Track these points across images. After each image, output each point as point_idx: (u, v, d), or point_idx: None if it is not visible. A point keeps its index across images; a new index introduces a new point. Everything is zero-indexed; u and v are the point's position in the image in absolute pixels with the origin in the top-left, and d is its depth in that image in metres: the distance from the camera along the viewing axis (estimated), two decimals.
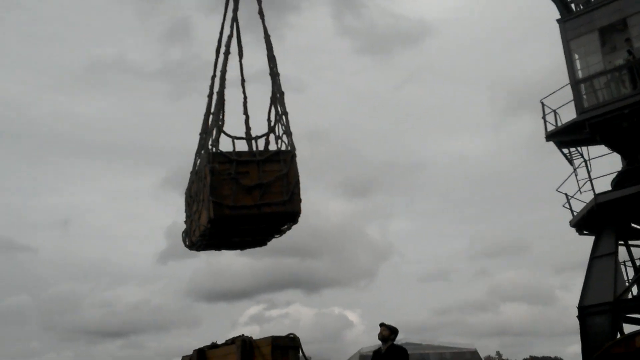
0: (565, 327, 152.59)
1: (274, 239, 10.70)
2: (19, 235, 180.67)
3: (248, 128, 10.30)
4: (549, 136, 21.30)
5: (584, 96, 20.42)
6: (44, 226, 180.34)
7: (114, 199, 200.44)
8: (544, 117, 21.38)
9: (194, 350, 8.53)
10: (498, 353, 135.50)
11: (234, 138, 9.96)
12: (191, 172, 10.66)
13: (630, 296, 19.51)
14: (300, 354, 7.90)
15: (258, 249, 10.97)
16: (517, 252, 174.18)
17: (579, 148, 21.52)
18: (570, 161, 21.52)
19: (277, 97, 10.13)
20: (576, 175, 21.09)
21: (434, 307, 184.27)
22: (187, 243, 10.81)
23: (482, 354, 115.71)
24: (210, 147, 9.66)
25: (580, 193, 20.86)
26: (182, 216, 10.79)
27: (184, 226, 10.71)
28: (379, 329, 9.84)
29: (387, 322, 9.90)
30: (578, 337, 19.07)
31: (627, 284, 19.86)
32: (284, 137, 9.95)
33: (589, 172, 20.55)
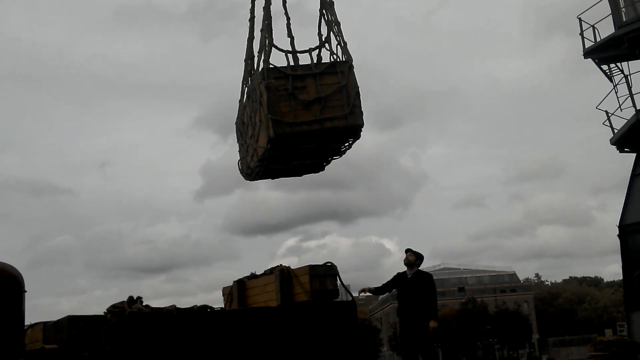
0: (604, 247, 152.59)
1: (332, 161, 10.43)
2: (61, 178, 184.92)
3: (294, 50, 9.67)
4: (587, 53, 20.62)
5: (623, 10, 19.64)
6: (85, 167, 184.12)
7: (151, 138, 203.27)
8: (581, 34, 20.66)
9: (234, 281, 8.60)
10: (537, 275, 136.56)
11: (287, 52, 9.43)
12: (240, 101, 10.40)
13: None
14: (338, 282, 7.90)
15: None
16: (554, 174, 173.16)
17: (618, 64, 20.84)
18: (610, 78, 20.88)
19: (327, 5, 9.61)
20: (616, 92, 20.50)
21: (470, 232, 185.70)
22: (244, 173, 10.58)
23: (521, 277, 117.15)
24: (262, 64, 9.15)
25: (621, 110, 20.33)
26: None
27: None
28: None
29: (414, 249, 9.99)
30: (617, 257, 18.98)
31: None
32: (338, 48, 9.46)
33: (629, 88, 19.93)
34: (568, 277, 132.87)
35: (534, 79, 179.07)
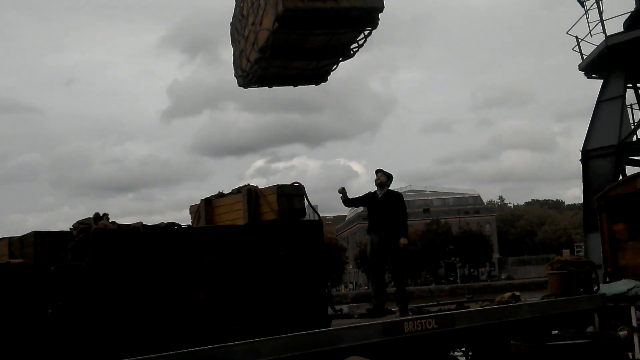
0: (566, 172, 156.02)
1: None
2: (26, 95, 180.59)
3: None
4: None
5: None
6: (50, 85, 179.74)
7: (118, 56, 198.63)
8: None
9: (202, 200, 8.60)
10: (500, 197, 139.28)
11: None
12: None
13: (635, 139, 19.57)
14: (306, 202, 7.95)
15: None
16: (521, 100, 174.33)
17: None
18: (582, 3, 20.80)
19: None
20: (587, 17, 20.49)
21: (437, 156, 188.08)
22: (238, 76, 9.94)
23: (485, 199, 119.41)
24: None
25: (591, 36, 20.39)
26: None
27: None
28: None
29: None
30: (578, 181, 19.41)
31: (632, 127, 19.84)
32: None
33: (600, 14, 19.91)
34: (530, 200, 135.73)
35: (505, 5, 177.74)
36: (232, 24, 10.06)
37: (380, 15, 8.61)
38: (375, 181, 9.96)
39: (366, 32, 8.94)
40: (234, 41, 10.03)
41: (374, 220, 9.87)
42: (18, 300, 5.74)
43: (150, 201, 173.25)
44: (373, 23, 8.68)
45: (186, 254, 6.82)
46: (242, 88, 10.18)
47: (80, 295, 6.06)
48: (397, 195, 9.98)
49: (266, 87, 10.26)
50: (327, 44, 9.00)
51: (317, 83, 10.27)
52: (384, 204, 9.77)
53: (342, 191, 9.95)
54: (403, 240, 9.58)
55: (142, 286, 6.42)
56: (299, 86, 10.35)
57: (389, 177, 9.97)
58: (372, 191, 10.07)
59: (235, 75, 10.12)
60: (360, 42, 9.16)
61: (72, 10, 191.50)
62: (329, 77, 10.15)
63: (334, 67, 9.88)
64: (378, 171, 9.98)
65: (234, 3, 9.95)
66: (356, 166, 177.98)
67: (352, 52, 9.37)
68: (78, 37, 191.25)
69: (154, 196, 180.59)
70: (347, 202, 10.08)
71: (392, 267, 9.75)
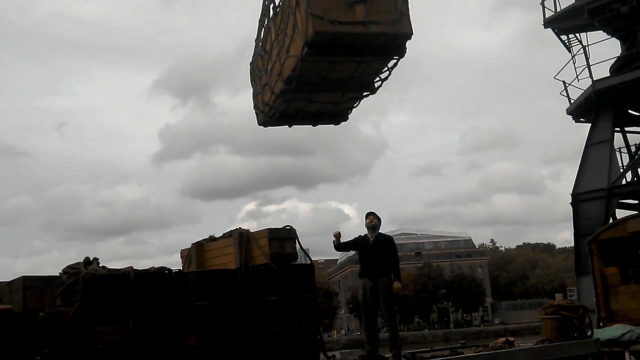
0: (556, 215, 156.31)
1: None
2: (18, 139, 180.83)
3: None
4: (548, 22, 20.82)
5: None
6: (43, 128, 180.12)
7: (110, 100, 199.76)
8: (542, 3, 20.83)
9: (193, 244, 8.56)
10: (492, 241, 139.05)
11: None
12: (255, 40, 9.94)
13: (624, 182, 19.68)
14: (297, 245, 7.92)
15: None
16: (510, 144, 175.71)
17: (577, 34, 21.09)
18: (569, 48, 21.13)
19: None
20: (574, 62, 20.80)
21: (427, 199, 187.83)
22: (260, 112, 9.99)
23: (476, 242, 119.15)
24: None
25: (578, 80, 20.67)
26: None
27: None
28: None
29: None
30: (568, 224, 19.42)
31: (621, 170, 19.97)
32: None
33: (587, 59, 20.24)
34: (522, 244, 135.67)
35: (494, 50, 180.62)
36: (251, 63, 10.22)
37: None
38: (368, 224, 9.82)
39: (390, 64, 8.97)
40: (253, 80, 10.14)
41: (365, 264, 9.73)
42: (6, 347, 5.65)
43: (140, 245, 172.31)
44: (400, 51, 8.63)
45: (177, 299, 6.75)
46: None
47: (69, 343, 5.97)
48: (389, 239, 9.90)
49: (264, 127, 10.32)
50: (352, 75, 8.98)
51: (337, 122, 10.30)
52: (376, 248, 9.65)
53: (338, 235, 9.83)
54: (397, 285, 9.47)
55: (132, 333, 6.34)
56: (317, 125, 10.34)
57: (380, 221, 9.88)
58: (362, 235, 9.94)
59: (255, 111, 10.15)
60: (383, 77, 9.19)
61: (66, 52, 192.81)
62: (349, 116, 10.20)
63: (357, 103, 9.95)
64: (370, 214, 9.87)
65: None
66: (347, 209, 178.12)
67: (375, 87, 9.40)
68: (72, 80, 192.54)
69: (145, 240, 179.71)
70: (339, 247, 9.98)
71: (385, 312, 9.60)
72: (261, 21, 9.79)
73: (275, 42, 9.02)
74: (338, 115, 10.15)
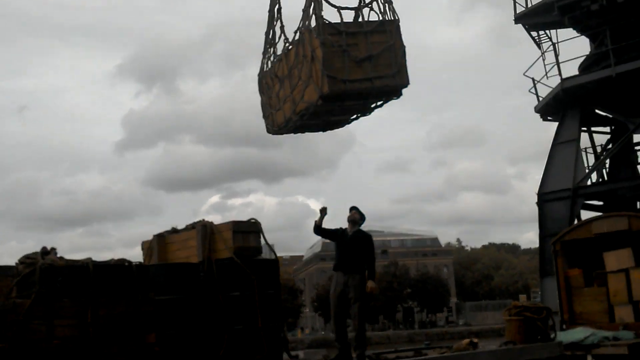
0: (522, 215, 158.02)
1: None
2: None
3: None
4: (518, 18, 20.87)
5: None
6: (2, 111, 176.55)
7: (73, 83, 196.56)
8: None
9: (154, 236, 8.38)
10: (458, 240, 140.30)
11: (339, 8, 9.49)
12: (263, 53, 10.73)
13: (589, 183, 19.82)
14: (262, 239, 7.79)
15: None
16: (476, 142, 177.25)
17: (547, 31, 21.19)
18: (539, 45, 21.22)
19: None
20: (544, 60, 20.85)
21: (394, 196, 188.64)
22: (270, 127, 10.82)
23: (442, 241, 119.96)
24: (317, 18, 9.26)
25: (547, 78, 20.70)
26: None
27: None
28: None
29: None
30: (534, 225, 19.47)
31: (587, 170, 20.13)
32: (386, 6, 9.66)
33: (556, 56, 20.20)
34: (487, 243, 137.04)
35: (462, 47, 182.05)
36: (259, 75, 11.03)
37: None
38: (349, 217, 9.73)
39: (394, 99, 10.03)
40: (262, 92, 11.02)
41: (341, 258, 9.56)
42: None
43: (101, 236, 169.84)
44: (398, 94, 9.83)
45: (137, 293, 6.58)
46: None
47: (25, 336, 5.78)
48: (367, 236, 9.74)
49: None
50: (357, 105, 10.27)
51: (341, 127, 11.41)
52: (353, 243, 9.52)
53: (323, 211, 9.66)
54: (370, 284, 9.33)
55: (90, 327, 6.16)
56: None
57: (362, 217, 9.80)
58: (343, 228, 9.81)
59: (265, 121, 11.06)
60: (379, 104, 10.24)
61: (31, 32, 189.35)
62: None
63: (358, 118, 10.94)
64: (353, 208, 9.80)
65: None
66: (314, 204, 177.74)
67: (371, 110, 10.51)
68: (35, 61, 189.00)
69: (106, 231, 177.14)
70: (319, 229, 9.71)
71: (354, 311, 9.36)
72: (267, 33, 10.71)
73: (288, 77, 9.99)
74: (345, 122, 11.18)
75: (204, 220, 7.87)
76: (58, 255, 6.49)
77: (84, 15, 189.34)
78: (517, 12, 20.84)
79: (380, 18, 9.61)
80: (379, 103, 10.23)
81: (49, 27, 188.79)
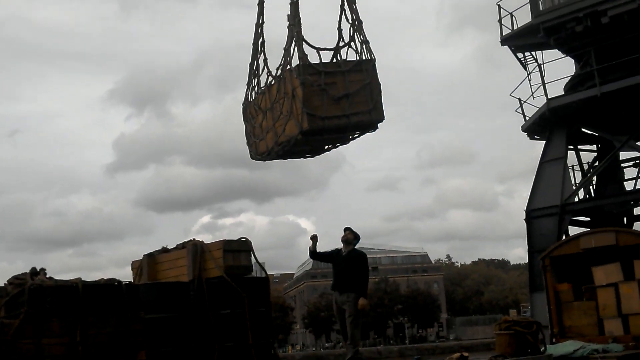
0: (510, 232, 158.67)
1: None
2: None
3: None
4: (504, 40, 21.09)
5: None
6: None
7: (64, 108, 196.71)
8: (499, 21, 21.12)
9: (144, 255, 8.38)
10: (448, 256, 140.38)
11: (318, 49, 9.97)
12: (247, 84, 11.07)
13: (576, 199, 19.98)
14: (253, 258, 7.82)
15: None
16: (465, 160, 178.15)
17: (533, 52, 21.43)
18: (525, 66, 21.44)
19: (350, 5, 10.22)
20: (529, 80, 21.10)
21: (384, 214, 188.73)
22: (254, 154, 11.18)
23: (432, 257, 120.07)
24: (295, 58, 9.73)
25: (533, 98, 20.92)
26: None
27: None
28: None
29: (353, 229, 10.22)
30: (522, 241, 19.75)
31: (574, 187, 20.29)
32: (363, 46, 10.12)
33: (542, 77, 20.48)
34: (477, 259, 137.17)
35: (449, 68, 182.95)
36: (243, 105, 11.36)
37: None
38: (343, 238, 10.12)
39: (370, 132, 10.52)
40: (246, 120, 11.37)
41: (336, 278, 10.02)
42: None
43: (91, 257, 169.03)
44: (373, 128, 10.36)
45: (127, 312, 6.58)
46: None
47: (13, 356, 5.77)
48: (360, 255, 10.12)
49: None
50: (335, 138, 10.71)
51: (319, 154, 11.79)
52: (346, 263, 9.91)
53: (314, 239, 10.05)
54: (361, 302, 9.70)
55: (79, 346, 6.15)
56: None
57: (356, 237, 10.14)
58: (339, 248, 10.23)
59: (249, 148, 11.39)
60: (356, 135, 10.70)
61: (23, 58, 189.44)
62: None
63: (337, 147, 11.41)
64: (347, 229, 10.18)
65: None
66: (304, 223, 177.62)
67: (349, 141, 10.99)
68: (27, 86, 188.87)
69: (96, 251, 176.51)
70: (314, 254, 10.23)
71: (349, 324, 9.74)
72: (251, 65, 11.02)
73: (270, 110, 10.36)
74: (323, 151, 11.50)
75: (194, 239, 7.89)
76: (48, 276, 6.48)
77: (76, 41, 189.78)
78: (504, 34, 21.05)
79: (358, 58, 10.06)
80: (356, 135, 10.65)
81: (41, 52, 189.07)
